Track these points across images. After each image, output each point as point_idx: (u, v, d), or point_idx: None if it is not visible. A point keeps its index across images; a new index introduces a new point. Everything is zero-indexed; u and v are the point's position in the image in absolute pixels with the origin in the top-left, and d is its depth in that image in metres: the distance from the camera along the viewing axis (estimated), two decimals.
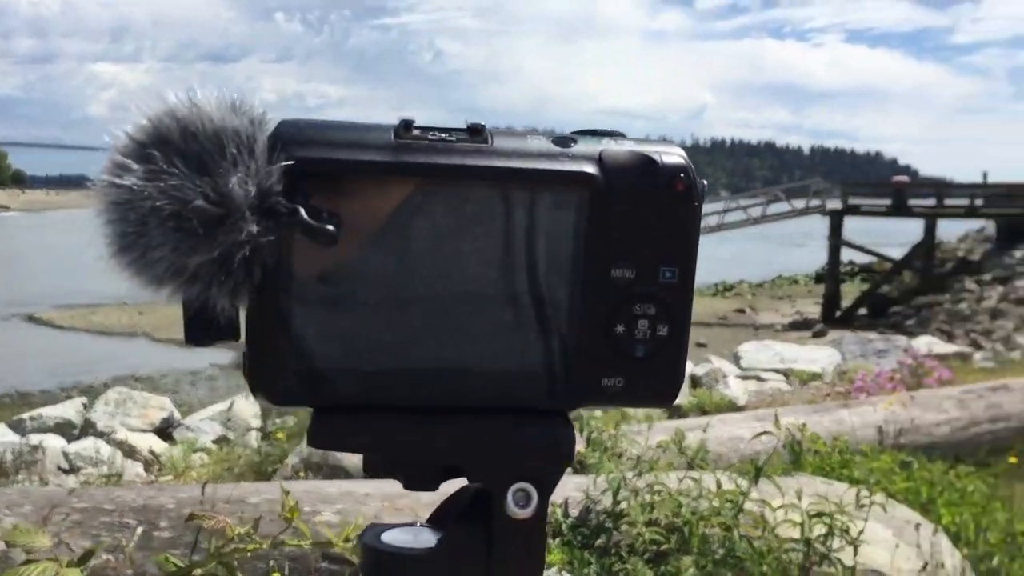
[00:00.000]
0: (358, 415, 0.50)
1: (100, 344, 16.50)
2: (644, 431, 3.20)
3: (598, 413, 3.47)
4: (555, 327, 0.51)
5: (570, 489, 3.05)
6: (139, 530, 2.38)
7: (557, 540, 2.77)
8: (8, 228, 61.58)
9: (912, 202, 23.25)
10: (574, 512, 2.92)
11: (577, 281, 0.50)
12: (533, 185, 0.49)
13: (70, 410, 6.92)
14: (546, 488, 0.53)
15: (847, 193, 24.38)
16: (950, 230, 24.39)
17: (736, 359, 9.61)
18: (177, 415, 6.84)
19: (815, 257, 27.01)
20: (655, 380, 0.53)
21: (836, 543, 2.74)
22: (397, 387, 0.50)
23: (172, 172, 0.44)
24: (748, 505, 2.73)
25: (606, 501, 2.88)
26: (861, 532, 2.75)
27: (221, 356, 14.03)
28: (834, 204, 23.78)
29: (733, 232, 25.43)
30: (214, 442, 5.78)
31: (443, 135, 0.49)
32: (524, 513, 0.52)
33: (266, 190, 0.45)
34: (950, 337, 15.37)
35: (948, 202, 23.46)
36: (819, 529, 2.72)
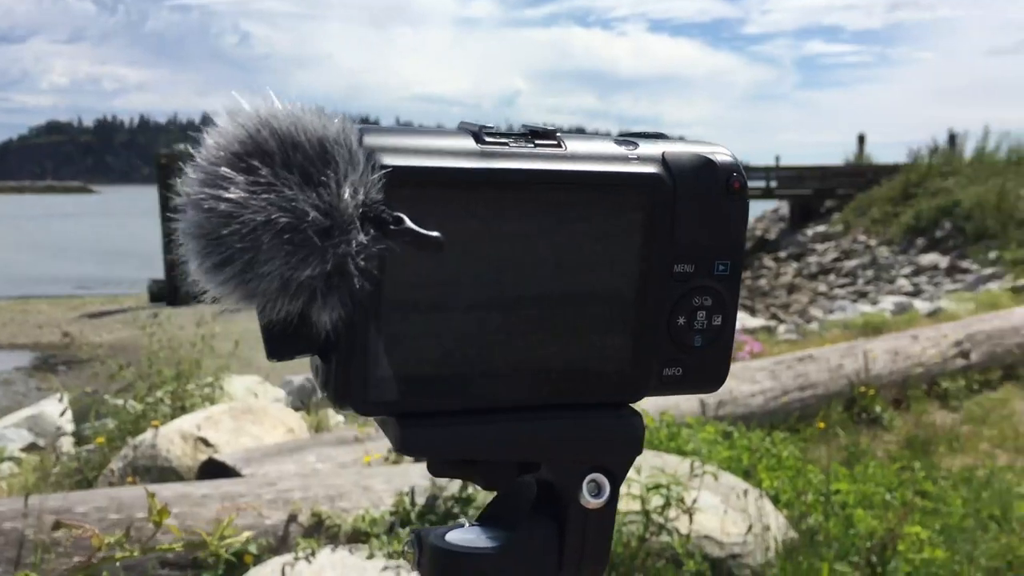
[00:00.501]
0: (447, 420, 0.51)
1: None
2: None
3: None
4: (624, 322, 0.53)
5: (415, 477, 3.06)
6: None
7: (406, 529, 2.77)
8: None
9: None
10: (420, 500, 2.92)
11: (645, 277, 0.53)
12: (608, 187, 0.51)
13: None
14: (617, 478, 0.55)
15: None
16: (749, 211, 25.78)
17: None
18: None
19: None
20: (710, 367, 0.56)
21: (672, 513, 2.87)
22: (475, 389, 0.51)
23: (284, 183, 0.43)
24: None
25: (453, 487, 2.90)
26: (695, 501, 2.89)
27: (19, 359, 13.11)
28: None
29: None
30: (22, 450, 5.40)
31: (522, 140, 0.50)
32: (597, 503, 0.55)
33: (370, 200, 0.44)
34: (752, 312, 16.33)
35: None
36: (656, 500, 2.85)
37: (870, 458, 4.46)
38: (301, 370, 9.54)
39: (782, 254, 21.11)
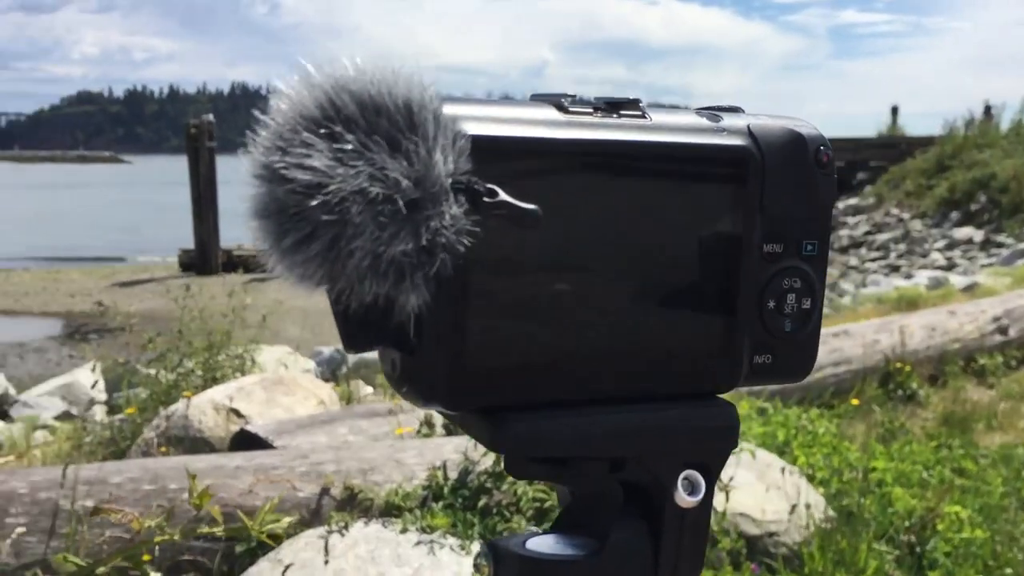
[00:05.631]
0: (542, 414, 0.47)
1: None
2: None
3: None
4: (715, 305, 0.50)
5: (448, 451, 3.04)
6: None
7: (440, 503, 2.75)
8: None
9: None
10: (453, 474, 2.90)
11: (735, 257, 0.49)
12: (696, 160, 0.48)
13: None
14: (713, 474, 0.52)
15: None
16: None
17: None
18: (12, 391, 6.40)
19: None
20: (799, 354, 0.53)
21: None
22: (568, 380, 0.47)
23: (371, 151, 0.38)
24: None
25: (487, 462, 2.87)
26: (731, 479, 2.85)
27: (51, 327, 13.26)
28: None
29: None
30: (56, 419, 5.45)
31: (605, 110, 0.47)
32: (692, 501, 0.51)
33: (461, 170, 0.40)
34: None
35: None
36: None
37: (908, 436, 4.40)
38: (331, 341, 9.57)
39: None
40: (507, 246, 0.44)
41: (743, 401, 4.15)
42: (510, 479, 2.79)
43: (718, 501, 2.84)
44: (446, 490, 2.83)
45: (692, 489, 0.51)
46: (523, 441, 0.47)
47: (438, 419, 3.66)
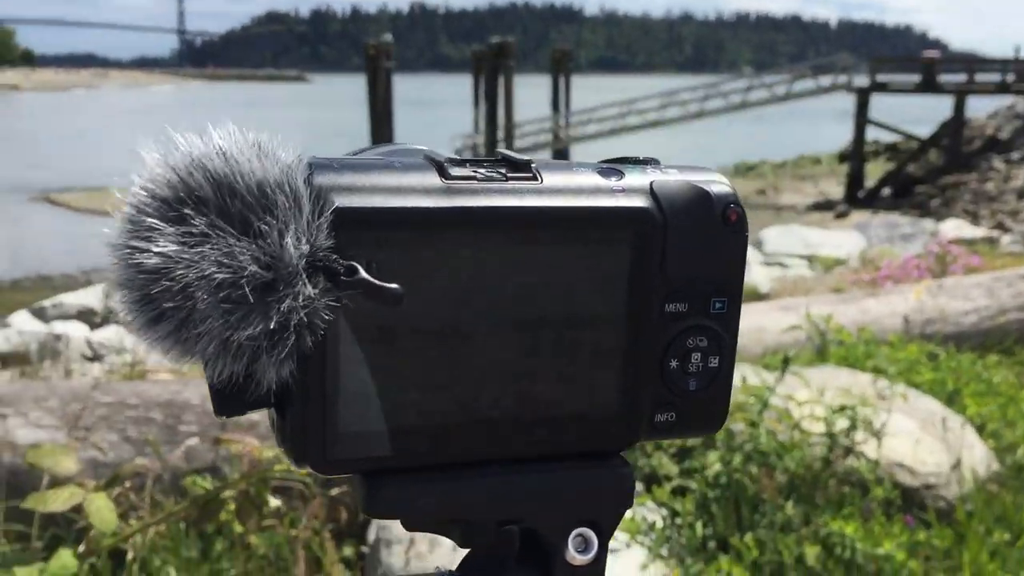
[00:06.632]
0: (418, 477, 0.47)
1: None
2: None
3: None
4: (612, 366, 0.49)
5: None
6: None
7: None
8: (21, 108, 61.04)
9: (942, 78, 22.58)
10: None
11: (633, 318, 0.48)
12: (590, 223, 0.47)
13: (91, 297, 6.97)
14: (605, 533, 0.51)
15: (875, 69, 23.69)
16: (980, 107, 23.77)
17: (759, 244, 9.50)
18: None
19: (839, 136, 26.49)
20: (706, 411, 0.52)
21: (860, 436, 2.73)
22: (449, 443, 0.47)
23: (218, 234, 0.38)
24: (774, 400, 2.71)
25: None
26: (884, 425, 2.73)
27: None
28: (861, 81, 23.17)
29: (755, 111, 24.83)
30: None
31: (491, 173, 0.46)
32: (584, 559, 0.50)
33: (317, 247, 0.40)
34: (975, 218, 15.18)
35: (979, 78, 22.76)
36: (843, 423, 2.71)
37: None
38: None
39: (1015, 155, 19.36)
40: (380, 315, 0.43)
41: (911, 345, 3.94)
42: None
43: (871, 448, 2.73)
44: None
45: (584, 547, 0.50)
46: (394, 506, 0.47)
47: None
